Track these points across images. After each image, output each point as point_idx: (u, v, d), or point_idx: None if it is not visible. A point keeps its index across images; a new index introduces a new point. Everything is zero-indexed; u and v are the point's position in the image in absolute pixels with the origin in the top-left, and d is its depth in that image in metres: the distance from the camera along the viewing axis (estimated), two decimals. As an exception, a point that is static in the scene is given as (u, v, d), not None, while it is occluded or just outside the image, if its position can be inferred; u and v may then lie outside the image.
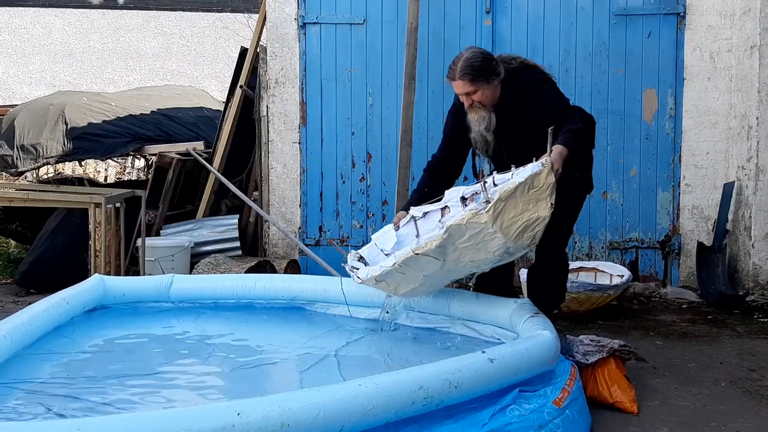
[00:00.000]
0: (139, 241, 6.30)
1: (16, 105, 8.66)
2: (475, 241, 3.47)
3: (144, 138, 7.44)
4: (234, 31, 13.92)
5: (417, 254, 3.55)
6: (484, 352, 3.09)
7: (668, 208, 6.38)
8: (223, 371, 3.65)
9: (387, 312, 4.09)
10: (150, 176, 7.52)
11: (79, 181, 8.57)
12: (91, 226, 6.06)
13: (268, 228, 6.70)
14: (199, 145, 7.35)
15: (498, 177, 3.67)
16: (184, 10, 14.81)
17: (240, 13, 14.34)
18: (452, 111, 4.21)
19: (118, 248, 6.25)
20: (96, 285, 4.44)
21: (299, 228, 6.62)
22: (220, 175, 6.83)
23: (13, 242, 8.05)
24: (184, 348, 3.96)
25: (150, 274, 5.80)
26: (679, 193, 6.36)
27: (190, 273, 5.99)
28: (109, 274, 5.67)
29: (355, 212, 6.59)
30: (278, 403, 2.45)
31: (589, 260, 6.27)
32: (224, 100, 7.85)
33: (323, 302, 4.55)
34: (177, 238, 6.46)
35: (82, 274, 5.72)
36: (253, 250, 6.86)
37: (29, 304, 4.10)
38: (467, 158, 4.29)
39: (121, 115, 7.58)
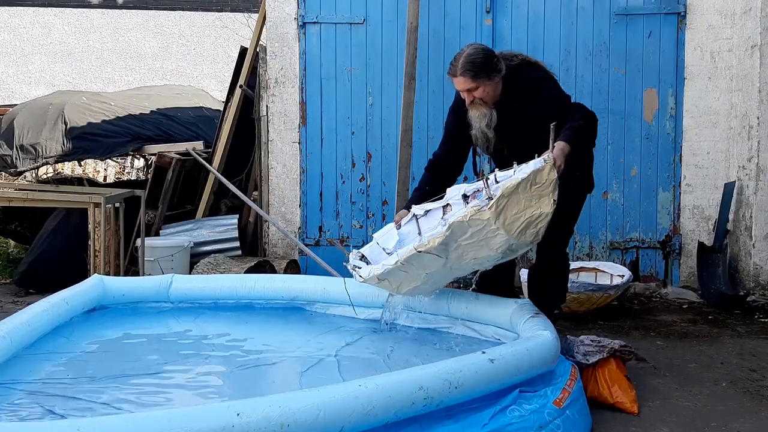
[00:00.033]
0: (138, 241, 6.30)
1: (16, 105, 8.64)
2: (478, 238, 3.46)
3: (143, 138, 7.44)
4: (234, 30, 13.91)
5: (420, 252, 3.53)
6: (484, 352, 3.08)
7: (669, 208, 6.37)
8: (222, 371, 3.64)
9: (388, 312, 4.08)
10: (149, 176, 7.52)
11: (78, 180, 8.56)
12: (90, 226, 6.05)
13: (268, 228, 6.69)
14: (199, 144, 7.34)
15: (500, 174, 3.67)
16: (183, 10, 14.81)
17: (240, 13, 14.35)
18: (453, 108, 4.20)
19: (117, 248, 6.25)
20: (95, 285, 4.43)
21: (299, 228, 6.61)
22: (219, 175, 6.82)
23: (12, 242, 8.05)
24: (183, 348, 3.95)
25: (149, 275, 5.79)
26: (680, 193, 6.35)
27: (190, 273, 5.98)
28: (109, 274, 5.66)
29: (355, 212, 6.58)
30: (278, 403, 2.44)
31: (589, 260, 6.26)
32: (224, 100, 7.84)
33: (323, 302, 4.55)
34: (176, 238, 6.45)
35: (82, 274, 5.71)
36: (253, 250, 6.85)
37: (28, 304, 4.09)
38: (468, 157, 4.28)
39: (120, 115, 7.58)
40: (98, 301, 4.44)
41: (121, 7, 14.77)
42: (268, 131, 6.64)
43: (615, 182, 6.36)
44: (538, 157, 3.48)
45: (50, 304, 3.98)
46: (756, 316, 5.51)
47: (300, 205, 6.62)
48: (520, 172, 3.46)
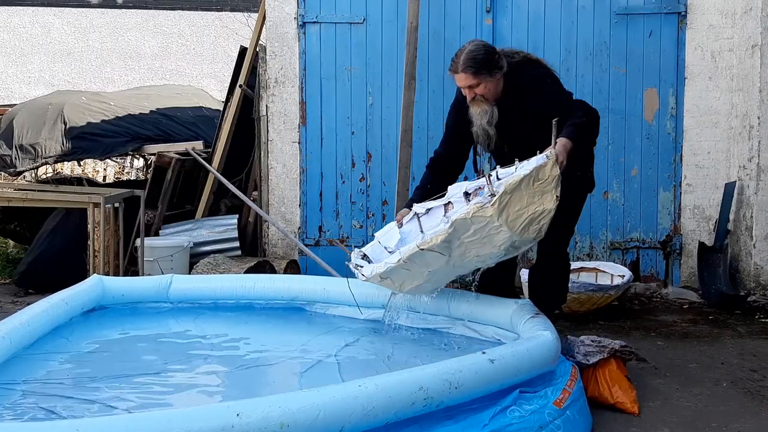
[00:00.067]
0: (138, 242, 6.29)
1: (15, 104, 8.64)
2: (481, 236, 3.45)
3: (143, 137, 7.43)
4: (233, 30, 13.90)
5: (422, 250, 3.52)
6: (484, 352, 3.07)
7: (669, 208, 6.37)
8: (222, 371, 3.63)
9: (391, 314, 4.07)
10: (149, 176, 7.51)
11: (77, 180, 8.53)
12: (89, 226, 6.04)
13: (268, 228, 6.69)
14: (199, 144, 7.33)
15: (502, 171, 3.66)
16: (183, 9, 14.79)
17: (239, 12, 14.34)
18: (454, 105, 4.19)
19: (117, 248, 6.24)
20: (95, 285, 4.43)
21: (299, 228, 6.61)
22: (219, 175, 6.82)
23: (11, 242, 8.04)
24: (183, 348, 3.94)
25: (149, 275, 5.79)
26: (681, 193, 6.35)
27: (190, 273, 5.97)
28: (108, 275, 5.66)
29: (354, 212, 6.57)
30: (278, 403, 2.44)
31: (590, 260, 6.26)
32: (223, 100, 7.83)
33: (323, 303, 4.54)
34: (176, 238, 6.45)
35: (81, 275, 5.70)
36: (253, 250, 6.85)
37: (28, 304, 4.09)
38: (469, 155, 4.27)
39: (120, 115, 7.57)
40: (98, 302, 4.43)
41: (120, 6, 14.76)
42: (267, 131, 6.63)
43: (615, 182, 6.35)
44: (540, 153, 3.47)
45: (50, 305, 3.98)
46: (756, 316, 5.50)
47: (300, 205, 6.61)
48: (523, 168, 3.45)
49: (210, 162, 7.02)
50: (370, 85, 6.50)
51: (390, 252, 3.92)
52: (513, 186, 3.36)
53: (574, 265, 5.55)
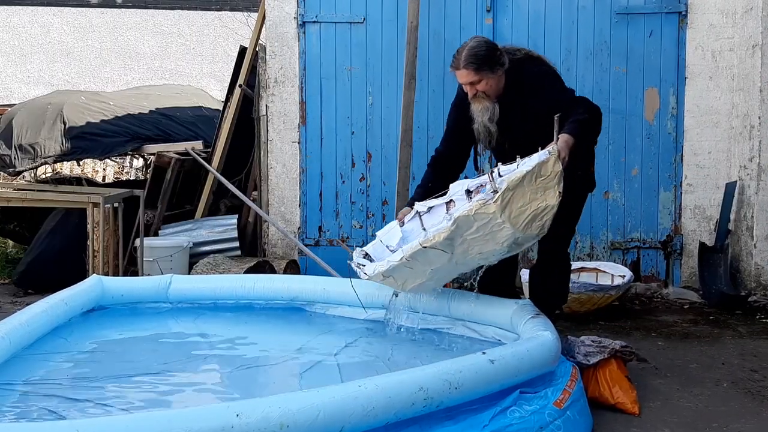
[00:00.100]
0: (137, 242, 6.28)
1: (14, 104, 8.63)
2: (484, 232, 3.43)
3: (142, 137, 7.42)
4: (233, 29, 13.90)
5: (425, 248, 3.51)
6: (484, 353, 3.07)
7: (670, 208, 6.36)
8: (222, 372, 3.63)
9: (393, 314, 4.06)
10: (148, 176, 7.51)
11: (77, 180, 8.54)
12: (89, 226, 6.03)
13: (268, 228, 6.68)
14: (198, 144, 7.33)
15: (504, 168, 3.65)
16: (182, 9, 14.80)
17: (239, 12, 14.34)
18: (455, 102, 4.18)
19: (116, 248, 6.23)
20: (94, 285, 4.42)
21: (298, 228, 6.60)
22: (219, 175, 6.81)
23: (11, 242, 8.03)
24: (182, 348, 3.93)
25: (148, 275, 5.78)
26: (681, 193, 6.34)
27: (189, 273, 5.96)
28: (108, 275, 5.65)
29: (354, 212, 6.57)
30: (277, 404, 2.43)
31: (590, 260, 6.25)
32: (223, 100, 7.83)
33: (323, 303, 4.53)
34: (176, 238, 6.44)
35: (81, 275, 5.70)
36: (253, 250, 6.84)
37: (27, 304, 4.08)
38: (470, 153, 4.26)
39: (119, 115, 7.57)
40: (97, 302, 4.43)
41: (120, 6, 14.76)
42: (267, 131, 6.63)
43: (616, 182, 6.34)
44: (542, 149, 3.46)
45: (49, 305, 3.98)
46: (757, 317, 5.50)
47: (299, 205, 6.61)
48: (525, 164, 3.44)
49: (209, 162, 7.01)
50: (370, 84, 6.49)
51: (392, 251, 3.91)
52: (515, 182, 3.35)
53: (574, 265, 5.53)
